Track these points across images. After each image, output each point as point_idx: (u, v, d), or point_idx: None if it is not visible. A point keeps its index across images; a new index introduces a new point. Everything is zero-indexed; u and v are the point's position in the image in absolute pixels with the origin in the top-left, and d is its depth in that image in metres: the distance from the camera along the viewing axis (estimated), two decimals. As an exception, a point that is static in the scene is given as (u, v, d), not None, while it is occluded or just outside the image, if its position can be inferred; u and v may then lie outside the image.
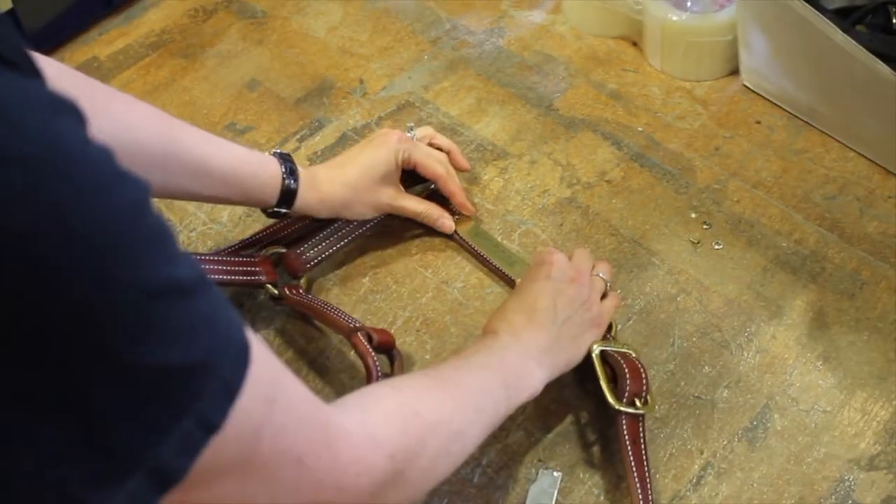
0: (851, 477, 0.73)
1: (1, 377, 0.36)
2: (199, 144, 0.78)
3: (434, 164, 0.89)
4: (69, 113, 0.39)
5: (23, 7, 1.08)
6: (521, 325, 0.72)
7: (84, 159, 0.38)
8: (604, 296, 0.80)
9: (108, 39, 1.16)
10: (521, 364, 0.70)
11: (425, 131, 0.93)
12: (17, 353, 0.36)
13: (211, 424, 0.42)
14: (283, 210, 0.83)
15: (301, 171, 0.83)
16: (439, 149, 0.92)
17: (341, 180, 0.85)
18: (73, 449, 0.38)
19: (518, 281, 0.84)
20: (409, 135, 0.90)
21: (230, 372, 0.43)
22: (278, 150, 0.84)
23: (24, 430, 0.37)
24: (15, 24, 1.08)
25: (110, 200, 0.38)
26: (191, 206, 0.94)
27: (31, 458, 0.38)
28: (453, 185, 0.90)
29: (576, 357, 0.75)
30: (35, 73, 0.43)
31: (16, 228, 0.35)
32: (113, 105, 0.73)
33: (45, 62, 0.53)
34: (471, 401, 0.64)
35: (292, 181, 0.82)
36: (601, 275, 0.80)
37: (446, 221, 0.90)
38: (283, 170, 0.82)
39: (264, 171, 0.81)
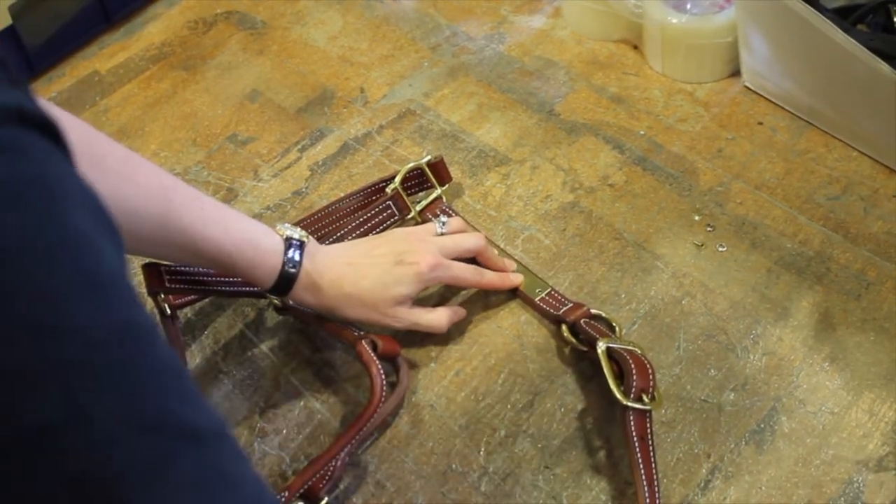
0: (860, 478, 0.72)
1: None
2: (194, 223, 0.70)
3: (465, 279, 0.83)
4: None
5: (22, 23, 1.08)
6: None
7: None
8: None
9: (108, 53, 1.16)
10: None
11: (456, 224, 0.86)
12: None
13: None
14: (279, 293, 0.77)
15: (306, 264, 0.75)
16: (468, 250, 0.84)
17: (348, 291, 0.76)
18: None
19: (520, 289, 0.85)
20: (439, 229, 0.84)
21: None
22: (291, 237, 0.76)
23: None
24: (15, 40, 1.09)
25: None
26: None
27: None
28: (489, 282, 0.84)
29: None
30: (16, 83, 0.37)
31: None
32: (110, 173, 0.66)
33: (45, 106, 0.47)
34: None
35: (290, 276, 0.75)
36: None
37: (461, 313, 0.84)
38: (285, 262, 0.74)
39: (262, 262, 0.74)
